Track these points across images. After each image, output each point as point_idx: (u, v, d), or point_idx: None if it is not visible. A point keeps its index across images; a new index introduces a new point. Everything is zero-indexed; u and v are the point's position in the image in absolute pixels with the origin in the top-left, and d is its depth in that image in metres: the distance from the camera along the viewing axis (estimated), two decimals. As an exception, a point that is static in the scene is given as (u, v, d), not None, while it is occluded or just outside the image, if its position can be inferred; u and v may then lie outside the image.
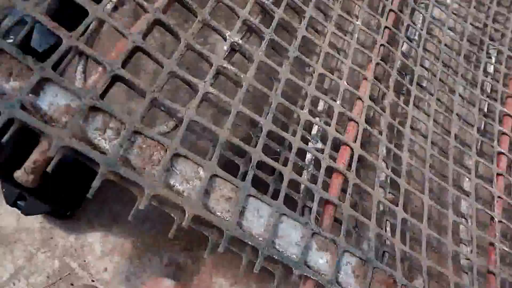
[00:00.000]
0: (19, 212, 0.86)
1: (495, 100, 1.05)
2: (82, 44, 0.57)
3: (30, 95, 0.51)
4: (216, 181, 0.57)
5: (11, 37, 0.56)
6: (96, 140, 0.52)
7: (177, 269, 0.97)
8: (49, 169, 0.51)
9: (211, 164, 0.57)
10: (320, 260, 0.60)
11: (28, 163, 0.49)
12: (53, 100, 0.52)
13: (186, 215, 0.53)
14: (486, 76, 1.09)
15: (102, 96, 0.58)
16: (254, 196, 0.58)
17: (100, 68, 0.58)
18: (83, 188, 0.74)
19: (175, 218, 0.56)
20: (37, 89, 0.51)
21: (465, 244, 0.86)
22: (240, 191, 0.57)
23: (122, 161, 0.53)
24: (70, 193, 0.92)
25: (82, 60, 0.59)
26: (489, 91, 1.09)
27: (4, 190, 0.86)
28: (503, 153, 0.96)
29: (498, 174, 0.93)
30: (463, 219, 0.92)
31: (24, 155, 0.51)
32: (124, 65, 0.60)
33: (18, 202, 0.85)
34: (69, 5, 0.60)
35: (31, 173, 0.49)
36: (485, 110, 1.06)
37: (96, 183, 0.50)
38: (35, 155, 0.49)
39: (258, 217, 0.58)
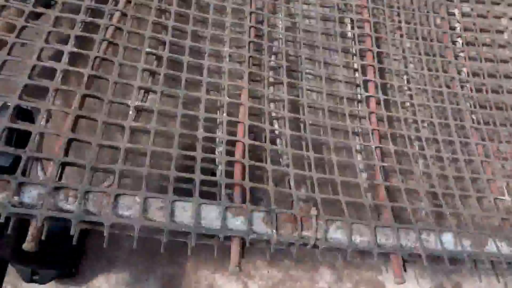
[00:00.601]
0: (37, 285, 1.20)
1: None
2: (35, 153, 0.91)
3: (15, 197, 0.85)
4: (149, 201, 0.91)
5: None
6: (64, 207, 0.87)
7: (169, 278, 1.33)
8: (43, 237, 0.85)
9: (142, 192, 0.91)
10: (237, 222, 0.94)
11: (29, 236, 0.83)
12: (30, 194, 0.86)
13: (136, 229, 0.87)
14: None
15: (60, 178, 0.93)
16: (177, 200, 0.92)
17: (51, 163, 0.92)
18: (77, 248, 1.10)
19: (133, 236, 0.90)
20: (18, 191, 0.85)
21: (362, 172, 1.20)
22: (166, 201, 0.91)
23: (85, 213, 0.87)
24: (68, 255, 1.27)
25: (39, 162, 0.94)
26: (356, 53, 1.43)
27: (20, 273, 1.20)
28: (371, 96, 1.30)
29: (370, 113, 1.27)
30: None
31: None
32: (66, 154, 0.95)
33: (33, 277, 1.19)
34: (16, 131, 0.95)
35: (32, 241, 0.83)
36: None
37: (72, 231, 0.84)
38: (31, 230, 0.84)
39: (184, 212, 0.92)
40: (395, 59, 1.44)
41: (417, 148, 1.27)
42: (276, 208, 0.97)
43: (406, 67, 1.42)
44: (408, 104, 1.35)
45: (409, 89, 1.38)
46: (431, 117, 1.32)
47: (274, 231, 0.95)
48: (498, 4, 1.60)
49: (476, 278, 1.17)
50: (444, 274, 1.27)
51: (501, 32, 1.56)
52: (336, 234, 1.00)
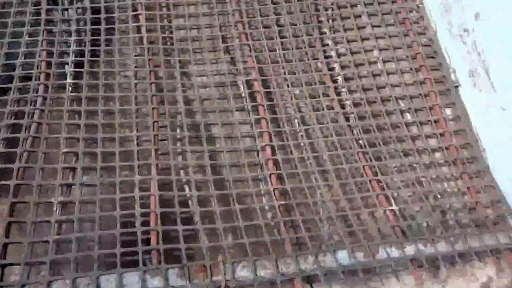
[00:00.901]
0: None
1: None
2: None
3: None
4: (77, 281, 1.13)
5: None
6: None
7: None
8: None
9: (70, 275, 1.13)
10: (155, 281, 1.16)
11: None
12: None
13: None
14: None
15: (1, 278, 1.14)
16: (101, 274, 1.14)
17: (-8, 265, 1.14)
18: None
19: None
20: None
21: (268, 212, 1.44)
22: (92, 277, 1.13)
23: (24, 303, 1.08)
24: None
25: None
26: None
27: None
28: (267, 145, 1.56)
29: (267, 159, 1.52)
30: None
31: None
32: (4, 256, 1.16)
33: None
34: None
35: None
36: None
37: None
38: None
39: (110, 283, 1.14)
40: (286, 107, 1.71)
41: (314, 182, 1.52)
42: (187, 262, 1.20)
43: (295, 112, 1.69)
44: (302, 144, 1.61)
45: (301, 130, 1.63)
46: (322, 152, 1.58)
47: (188, 282, 1.17)
48: (368, 39, 1.90)
49: (392, 281, 1.42)
50: (361, 283, 1.49)
51: (375, 62, 1.85)
52: (243, 272, 1.22)
